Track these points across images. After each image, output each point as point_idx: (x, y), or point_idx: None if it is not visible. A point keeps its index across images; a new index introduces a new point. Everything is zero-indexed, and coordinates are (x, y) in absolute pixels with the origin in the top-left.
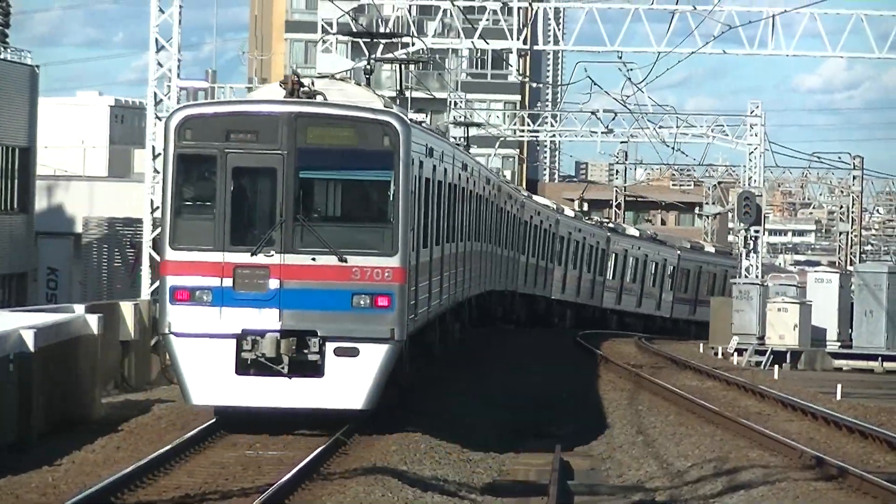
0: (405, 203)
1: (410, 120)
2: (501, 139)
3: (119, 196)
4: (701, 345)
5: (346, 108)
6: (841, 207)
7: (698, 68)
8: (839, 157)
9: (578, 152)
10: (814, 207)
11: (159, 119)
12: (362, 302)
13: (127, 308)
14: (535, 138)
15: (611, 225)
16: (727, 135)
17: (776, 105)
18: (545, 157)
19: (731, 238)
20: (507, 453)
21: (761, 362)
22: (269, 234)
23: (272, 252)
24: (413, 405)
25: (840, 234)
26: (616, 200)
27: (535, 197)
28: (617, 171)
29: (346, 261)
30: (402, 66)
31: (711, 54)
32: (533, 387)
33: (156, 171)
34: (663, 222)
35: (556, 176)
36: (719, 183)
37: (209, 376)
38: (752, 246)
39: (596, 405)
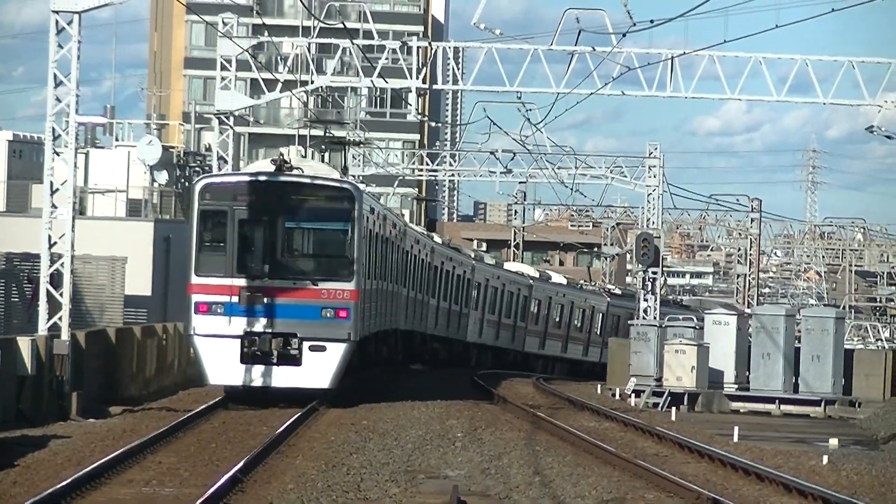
0: (359, 244)
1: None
2: (400, 178)
3: (17, 231)
4: (599, 386)
5: (318, 179)
6: (739, 250)
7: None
8: (737, 200)
9: (477, 192)
10: (712, 249)
11: (57, 154)
12: (328, 314)
13: (24, 343)
14: (433, 177)
15: (533, 273)
16: (626, 176)
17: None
18: (444, 197)
19: (629, 279)
20: (403, 493)
21: (658, 404)
22: (263, 266)
23: (266, 278)
24: (312, 440)
25: (738, 276)
26: (514, 241)
27: (453, 245)
28: (515, 211)
29: (317, 285)
30: (345, 149)
31: (611, 95)
32: (427, 425)
33: (54, 206)
34: (562, 263)
35: (454, 215)
36: (618, 224)
37: (222, 364)
38: (650, 288)
39: (492, 445)
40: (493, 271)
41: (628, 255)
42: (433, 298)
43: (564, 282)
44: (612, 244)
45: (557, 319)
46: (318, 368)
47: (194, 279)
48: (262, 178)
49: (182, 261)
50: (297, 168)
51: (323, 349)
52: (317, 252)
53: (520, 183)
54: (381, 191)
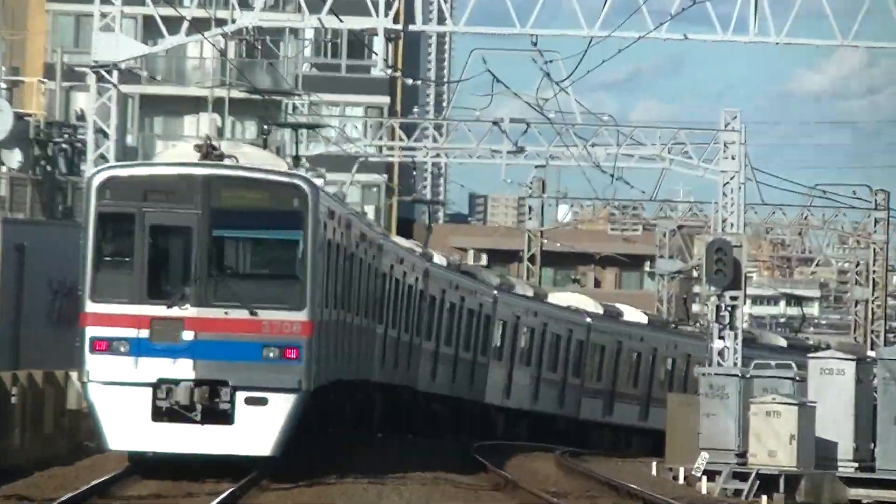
0: (313, 260)
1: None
2: (361, 159)
3: None
4: (654, 464)
5: (258, 171)
6: (857, 265)
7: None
8: (854, 193)
9: (474, 180)
10: (817, 264)
11: None
12: (271, 354)
13: None
14: (410, 159)
15: (593, 308)
16: (691, 157)
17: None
18: (424, 187)
19: (696, 307)
20: None
21: (742, 490)
22: (184, 289)
23: (187, 305)
24: None
25: (856, 303)
26: (528, 251)
27: (465, 269)
28: (530, 208)
29: (256, 314)
30: (296, 132)
31: (668, 40)
32: None
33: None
34: (598, 283)
35: (441, 214)
36: (680, 228)
37: (126, 422)
38: (727, 320)
39: None
40: (528, 305)
41: (695, 273)
42: (428, 341)
43: (644, 320)
44: (670, 256)
45: (633, 374)
46: (256, 429)
47: (89, 306)
48: (183, 170)
49: (45, 278)
50: (230, 157)
51: (263, 402)
52: (257, 270)
53: (536, 167)
54: (333, 178)
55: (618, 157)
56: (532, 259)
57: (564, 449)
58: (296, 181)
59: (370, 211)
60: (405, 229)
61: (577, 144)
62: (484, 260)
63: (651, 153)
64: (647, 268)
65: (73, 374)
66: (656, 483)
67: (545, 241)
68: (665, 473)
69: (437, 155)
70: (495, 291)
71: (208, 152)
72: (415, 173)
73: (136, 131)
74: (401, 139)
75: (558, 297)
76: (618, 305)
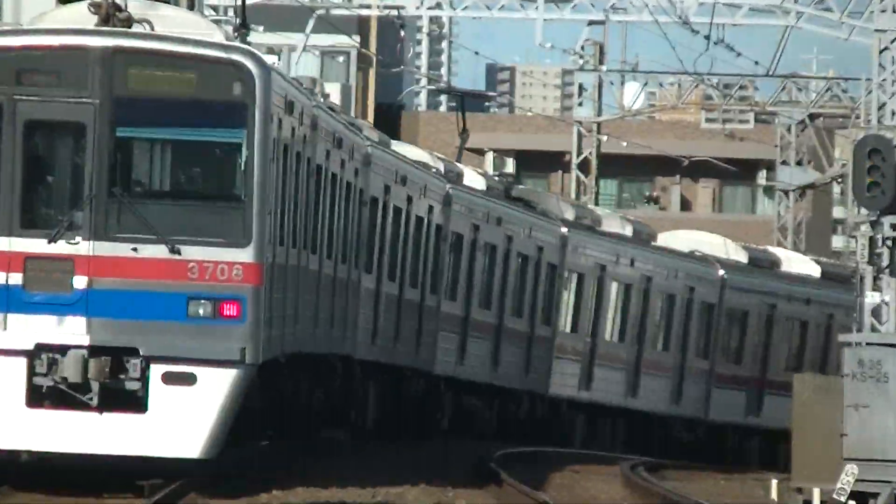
0: (262, 174)
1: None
2: (320, 12)
3: None
4: (773, 483)
5: (182, 43)
6: None
7: None
8: None
9: (494, 46)
10: None
11: None
12: (202, 310)
13: None
14: (395, 12)
15: (738, 256)
16: (829, 9)
17: None
18: (418, 55)
19: (836, 241)
20: None
21: None
22: (73, 214)
23: (78, 239)
24: None
25: None
26: (578, 154)
27: (518, 194)
28: (581, 87)
29: (179, 252)
30: None
31: None
32: None
33: None
34: (686, 203)
35: (441, 98)
36: (813, 118)
37: None
38: (887, 260)
39: None
40: (619, 250)
41: (836, 188)
42: (452, 302)
43: (814, 272)
44: (798, 162)
45: (795, 355)
46: (180, 419)
47: None
48: (72, 40)
49: None
50: (141, 21)
51: (190, 380)
52: (180, 187)
53: (590, 24)
54: (276, 40)
55: (716, 9)
56: (584, 166)
57: (636, 460)
58: (237, 57)
59: (334, 90)
60: (387, 120)
61: None
62: (510, 167)
63: (768, 2)
64: (761, 180)
65: None
66: None
67: (604, 137)
68: (791, 497)
69: (438, 5)
70: (564, 229)
71: (110, 14)
72: (403, 34)
73: None
74: None
75: (672, 238)
76: (770, 249)
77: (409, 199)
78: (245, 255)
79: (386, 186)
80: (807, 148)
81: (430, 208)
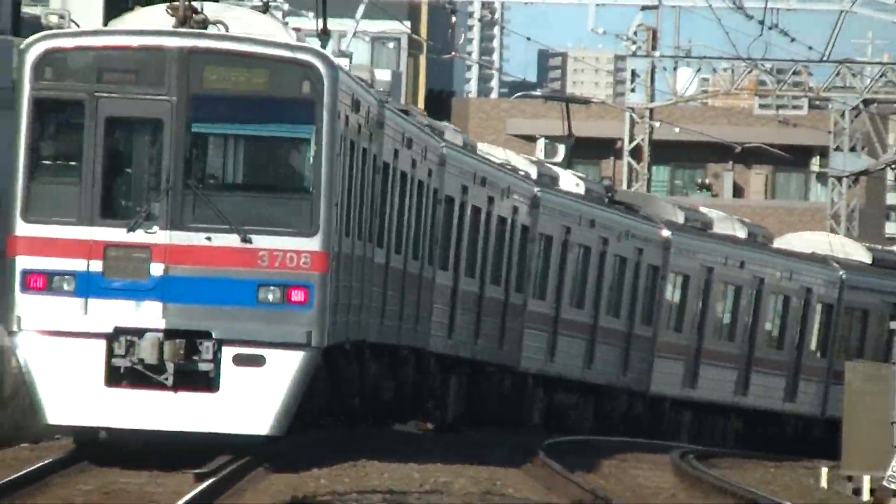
0: (330, 168)
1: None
2: (368, 0)
3: None
4: (823, 471)
5: (255, 43)
6: None
7: None
8: None
9: (546, 32)
10: None
11: None
12: (271, 296)
13: None
14: None
15: (862, 256)
16: None
17: None
18: (469, 41)
19: (889, 228)
20: None
21: None
22: (151, 205)
23: (155, 228)
24: None
25: None
26: (630, 140)
27: (620, 198)
28: (634, 73)
29: (250, 241)
30: None
31: None
32: None
33: None
34: (738, 190)
35: (494, 84)
36: (867, 103)
37: (71, 388)
38: None
39: None
40: (729, 252)
41: (890, 174)
42: (541, 301)
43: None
44: (852, 148)
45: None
46: (249, 398)
47: (21, 228)
48: (151, 41)
49: None
50: (216, 23)
51: (260, 361)
52: (251, 180)
53: (643, 9)
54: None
55: None
56: (636, 152)
57: (686, 448)
58: (306, 57)
59: (385, 76)
60: (437, 106)
61: None
62: (561, 153)
63: None
64: (815, 166)
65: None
66: (825, 502)
67: (657, 124)
68: (841, 485)
69: None
70: (667, 232)
71: (187, 17)
72: (454, 19)
73: None
74: None
75: (792, 241)
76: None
77: (490, 200)
78: (312, 244)
79: (463, 187)
80: (860, 134)
81: (515, 209)
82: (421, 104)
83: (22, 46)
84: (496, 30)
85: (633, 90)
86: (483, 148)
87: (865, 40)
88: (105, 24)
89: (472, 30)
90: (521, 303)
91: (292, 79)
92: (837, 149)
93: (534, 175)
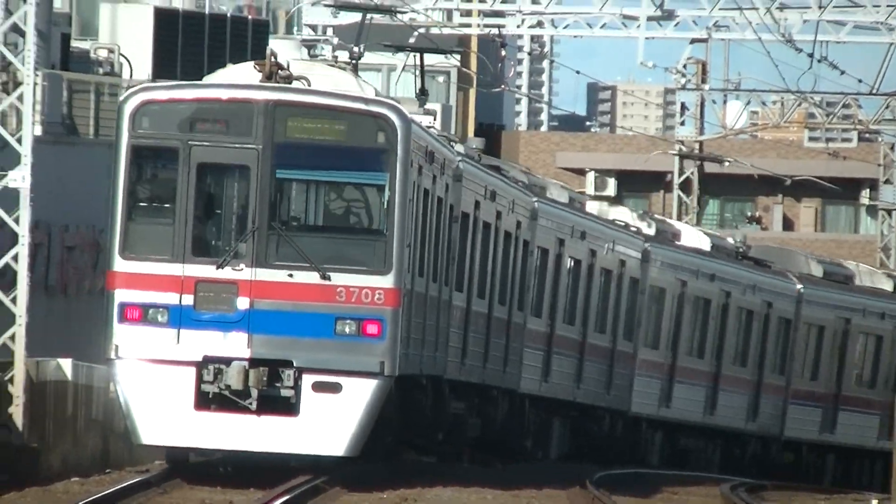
0: (402, 212)
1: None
2: (420, 32)
3: None
4: (874, 503)
5: (334, 97)
6: None
7: None
8: None
9: (596, 65)
10: None
11: None
12: (347, 328)
13: None
14: (496, 31)
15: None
16: None
17: None
18: (517, 74)
19: None
20: None
21: None
22: (238, 244)
23: (242, 265)
24: None
25: None
26: (680, 173)
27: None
28: (684, 106)
29: (329, 278)
30: (421, 57)
31: None
32: None
33: None
34: (788, 223)
35: (542, 117)
36: None
37: (163, 411)
38: None
39: None
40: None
41: None
42: (653, 350)
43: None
44: None
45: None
46: (327, 422)
47: (119, 264)
48: (239, 93)
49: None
50: (301, 78)
51: (337, 389)
52: (330, 223)
53: (692, 42)
54: (373, 61)
55: (820, 27)
56: (686, 185)
57: (736, 481)
58: (381, 110)
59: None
60: (488, 141)
61: (758, 6)
62: (611, 188)
63: (873, 20)
64: (864, 198)
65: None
66: None
67: (708, 154)
68: None
69: (539, 24)
70: (799, 286)
71: (273, 72)
72: (504, 53)
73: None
74: (482, 0)
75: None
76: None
77: (593, 253)
78: (386, 281)
79: (559, 240)
80: None
81: (622, 263)
82: (470, 134)
83: (121, 98)
84: (545, 63)
85: (682, 123)
86: (610, 211)
87: None
88: (153, 58)
89: (522, 63)
90: (632, 351)
91: (368, 130)
92: (887, 181)
93: (651, 231)
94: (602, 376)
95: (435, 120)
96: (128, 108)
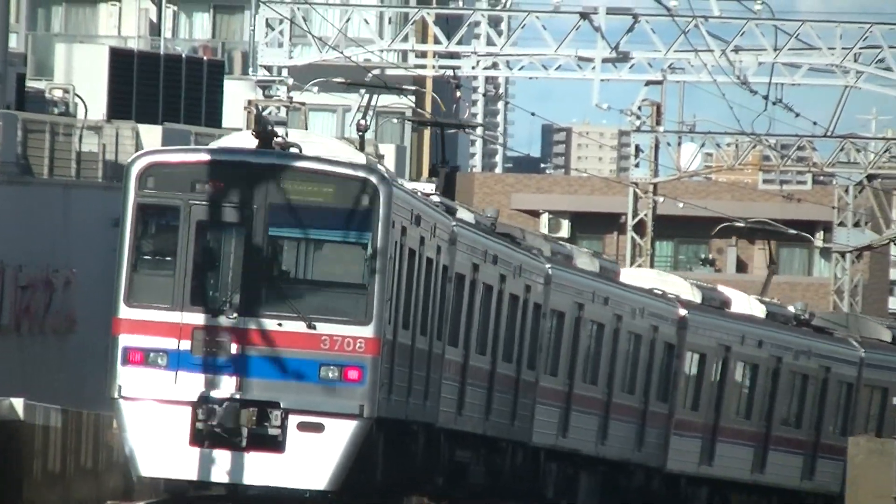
0: (383, 268)
1: (394, 181)
2: (374, 73)
3: None
4: None
5: (322, 162)
6: None
7: None
8: None
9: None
10: None
11: None
12: (331, 373)
13: None
14: (450, 72)
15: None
16: (889, 68)
17: None
18: (472, 115)
19: (893, 302)
20: None
21: None
22: (232, 295)
23: (235, 315)
24: None
25: None
26: (634, 215)
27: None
28: (638, 148)
29: (314, 328)
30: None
31: None
32: None
33: None
34: (742, 265)
35: (497, 158)
36: (871, 178)
37: (161, 446)
38: None
39: None
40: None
41: (894, 249)
42: (684, 409)
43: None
44: (856, 223)
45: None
46: (310, 458)
47: (123, 311)
48: (236, 157)
49: None
50: (294, 146)
51: (319, 428)
52: (317, 277)
53: (647, 84)
54: (328, 101)
55: (775, 69)
56: (640, 227)
57: None
58: (365, 175)
59: (389, 151)
60: (444, 181)
61: (713, 48)
62: (565, 228)
63: (828, 62)
64: (819, 241)
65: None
66: None
67: (660, 199)
68: None
69: (494, 65)
70: (862, 352)
71: (268, 138)
72: (459, 94)
73: (24, 29)
74: (437, 41)
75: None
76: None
77: (618, 318)
78: (366, 331)
79: (577, 304)
80: (864, 209)
81: (655, 330)
82: (425, 175)
83: (129, 160)
84: (500, 104)
85: (637, 165)
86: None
87: (869, 116)
88: (108, 98)
89: (477, 104)
90: (670, 413)
91: (353, 193)
92: (841, 224)
93: (696, 298)
94: (631, 433)
95: (383, 159)
96: (135, 169)
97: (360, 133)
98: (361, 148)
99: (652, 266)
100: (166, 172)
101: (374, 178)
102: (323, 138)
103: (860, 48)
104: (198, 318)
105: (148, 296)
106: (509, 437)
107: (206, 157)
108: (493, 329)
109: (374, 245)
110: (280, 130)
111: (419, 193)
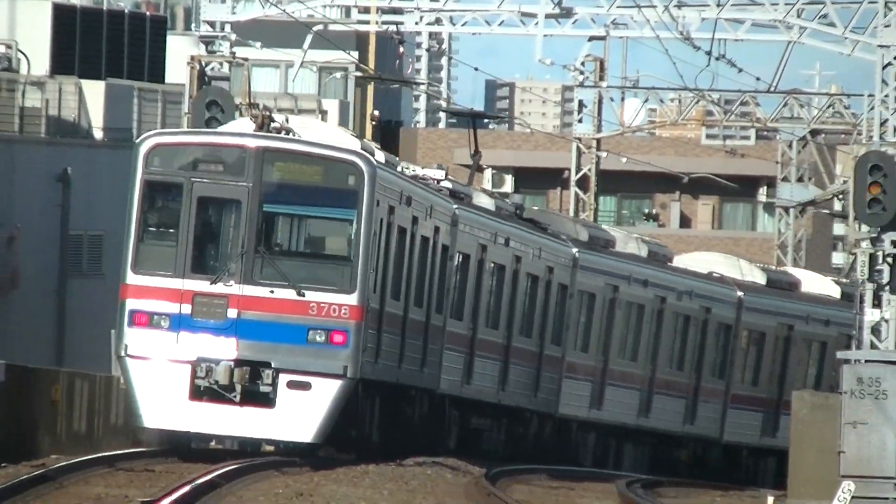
0: (366, 242)
1: (382, 163)
2: (317, 28)
3: None
4: (770, 500)
5: (313, 146)
6: None
7: None
8: None
9: (495, 60)
10: None
11: None
12: (318, 337)
13: None
14: (393, 27)
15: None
16: (832, 24)
17: None
18: (417, 71)
19: (836, 257)
20: None
21: None
22: (229, 264)
23: (231, 282)
24: None
25: None
26: (577, 170)
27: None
28: (581, 104)
29: (303, 295)
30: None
31: None
32: None
33: None
34: (685, 220)
35: (441, 114)
36: (814, 134)
37: (163, 400)
38: (887, 277)
39: None
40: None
41: (838, 203)
42: (750, 385)
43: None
44: (799, 178)
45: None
46: (298, 413)
47: (130, 278)
48: (235, 140)
49: None
50: (289, 130)
51: (307, 387)
52: (306, 249)
53: (590, 40)
54: (272, 57)
55: (718, 25)
56: (583, 182)
57: (632, 477)
58: (350, 157)
59: (332, 106)
60: (385, 137)
61: (655, 4)
62: (509, 183)
63: (771, 17)
64: (762, 196)
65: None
66: None
67: (604, 154)
68: None
69: (438, 21)
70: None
71: (265, 124)
72: (402, 49)
73: None
74: None
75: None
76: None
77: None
78: (350, 299)
79: (613, 286)
80: (808, 164)
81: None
82: (368, 134)
83: (137, 141)
84: (444, 60)
85: (580, 121)
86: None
87: (813, 71)
88: (52, 53)
89: (420, 60)
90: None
91: (340, 173)
92: (785, 179)
93: (761, 280)
94: (679, 407)
95: (326, 116)
96: (143, 149)
97: (374, 122)
98: (379, 137)
99: (595, 220)
100: (171, 152)
101: (359, 161)
102: (321, 124)
103: (803, 3)
104: (198, 285)
105: (153, 264)
106: (533, 408)
107: (207, 139)
108: (507, 306)
109: (358, 221)
110: (224, 85)
111: (428, 178)
